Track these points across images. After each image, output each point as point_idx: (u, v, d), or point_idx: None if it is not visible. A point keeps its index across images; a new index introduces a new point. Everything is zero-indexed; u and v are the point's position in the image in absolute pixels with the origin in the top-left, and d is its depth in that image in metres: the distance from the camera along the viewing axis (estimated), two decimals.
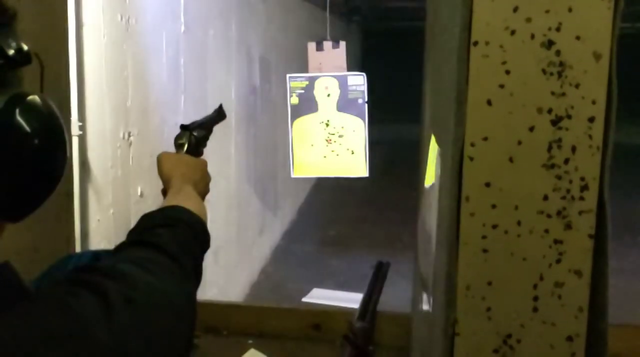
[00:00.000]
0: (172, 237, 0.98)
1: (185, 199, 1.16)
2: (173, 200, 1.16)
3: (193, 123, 1.44)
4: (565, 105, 0.92)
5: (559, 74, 0.92)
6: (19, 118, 0.74)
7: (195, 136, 1.40)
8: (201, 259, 1.03)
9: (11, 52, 0.75)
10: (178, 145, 1.38)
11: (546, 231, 0.95)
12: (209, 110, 1.51)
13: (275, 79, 5.39)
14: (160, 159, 1.31)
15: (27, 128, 0.75)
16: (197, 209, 1.11)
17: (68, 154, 0.83)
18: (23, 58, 0.77)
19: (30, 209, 0.79)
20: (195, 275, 0.98)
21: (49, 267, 1.27)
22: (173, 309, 0.82)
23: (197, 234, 1.05)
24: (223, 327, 1.91)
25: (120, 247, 0.95)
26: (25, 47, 0.77)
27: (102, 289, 0.74)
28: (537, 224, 0.95)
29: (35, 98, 0.77)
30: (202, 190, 1.31)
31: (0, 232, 0.79)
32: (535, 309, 0.96)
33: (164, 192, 1.29)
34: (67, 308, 0.70)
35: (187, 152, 1.37)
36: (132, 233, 1.02)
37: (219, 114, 1.54)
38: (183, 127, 1.42)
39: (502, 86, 0.93)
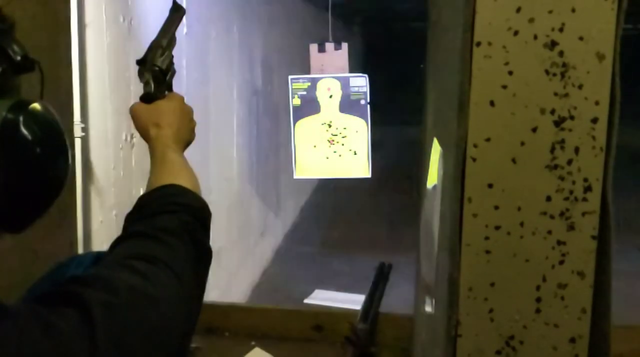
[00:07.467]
0: (172, 223, 0.93)
1: (173, 172, 1.09)
2: (160, 172, 1.10)
3: (147, 51, 1.25)
4: (568, 106, 0.92)
5: (562, 75, 0.91)
6: (22, 128, 0.73)
7: (158, 67, 1.25)
8: (205, 237, 0.98)
9: (18, 58, 0.75)
10: (144, 86, 1.23)
11: (549, 232, 0.94)
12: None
13: (277, 80, 5.39)
14: (133, 114, 1.22)
15: (30, 137, 0.73)
16: (189, 183, 1.06)
17: (70, 162, 0.82)
18: (28, 64, 0.76)
19: (31, 221, 0.77)
20: (198, 256, 0.93)
21: (51, 269, 1.26)
22: (159, 312, 0.79)
23: (198, 215, 0.99)
24: (225, 328, 1.91)
25: (119, 240, 0.92)
26: (30, 55, 0.77)
27: (82, 300, 0.71)
28: (539, 225, 0.94)
29: (37, 106, 0.76)
30: (185, 138, 1.22)
31: None
32: (538, 311, 0.96)
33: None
34: (49, 328, 0.67)
35: (157, 89, 1.23)
36: (130, 218, 0.98)
37: (175, 10, 1.32)
38: (139, 62, 1.24)
39: (504, 87, 0.93)
